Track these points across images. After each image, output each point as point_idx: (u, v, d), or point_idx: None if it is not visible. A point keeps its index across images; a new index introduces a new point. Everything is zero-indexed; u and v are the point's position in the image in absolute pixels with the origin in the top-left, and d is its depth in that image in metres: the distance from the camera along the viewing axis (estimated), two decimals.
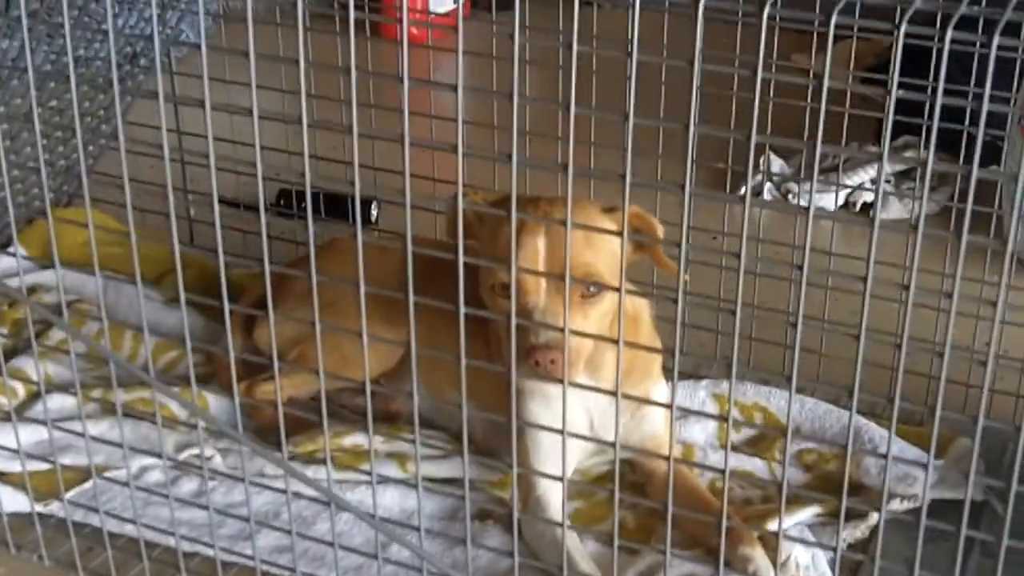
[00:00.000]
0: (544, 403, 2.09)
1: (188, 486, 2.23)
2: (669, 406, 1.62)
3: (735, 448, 2.33)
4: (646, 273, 2.32)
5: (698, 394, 2.43)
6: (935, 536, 2.06)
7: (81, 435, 1.98)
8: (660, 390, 2.18)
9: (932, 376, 2.30)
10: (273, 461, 1.82)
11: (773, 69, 1.45)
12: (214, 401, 2.40)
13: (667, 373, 2.23)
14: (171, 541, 2.01)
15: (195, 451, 2.23)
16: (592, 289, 1.91)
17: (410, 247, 1.54)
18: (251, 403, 2.39)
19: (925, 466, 1.54)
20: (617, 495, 1.67)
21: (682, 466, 2.19)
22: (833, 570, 2.01)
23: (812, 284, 2.30)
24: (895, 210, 3.13)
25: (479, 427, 2.28)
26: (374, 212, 3.20)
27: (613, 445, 1.62)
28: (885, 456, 1.51)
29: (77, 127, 1.70)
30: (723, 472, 1.58)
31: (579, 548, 2.01)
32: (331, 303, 2.20)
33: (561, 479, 1.76)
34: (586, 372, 2.04)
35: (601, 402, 2.10)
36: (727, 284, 1.58)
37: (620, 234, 1.51)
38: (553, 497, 2.09)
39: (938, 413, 1.45)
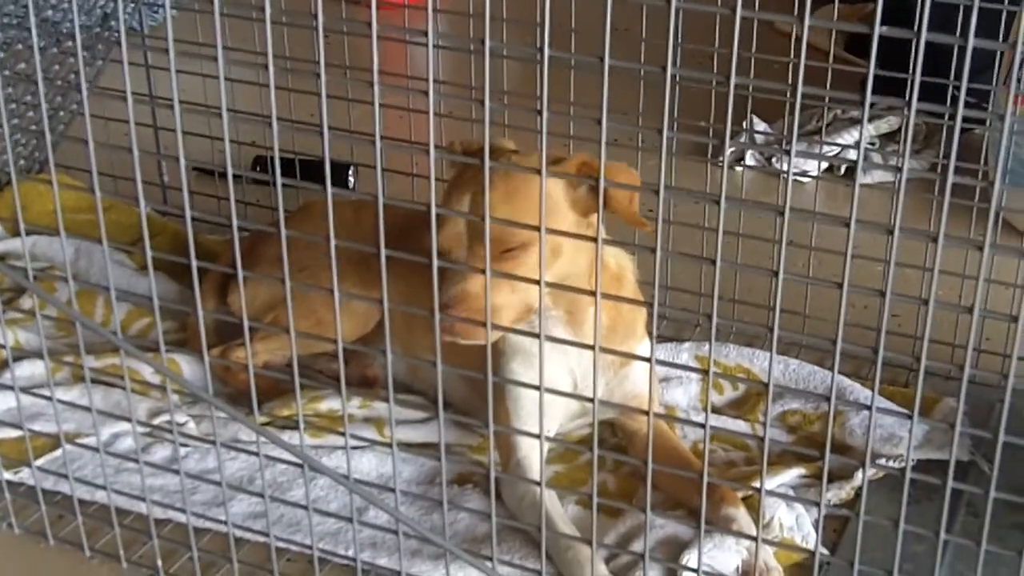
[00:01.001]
0: (526, 362, 2.06)
1: (161, 453, 2.18)
2: (649, 360, 1.58)
3: (717, 410, 2.29)
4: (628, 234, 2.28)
5: (680, 356, 2.39)
6: (920, 496, 2.05)
7: (50, 399, 1.94)
8: (643, 348, 2.14)
9: (917, 337, 2.27)
10: (247, 424, 1.77)
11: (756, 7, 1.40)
12: (187, 367, 2.36)
13: (650, 335, 2.20)
14: (143, 508, 1.97)
15: (168, 417, 2.19)
16: (512, 246, 1.85)
17: (382, 201, 1.50)
18: (224, 368, 2.34)
19: (910, 417, 1.50)
20: (596, 455, 1.62)
21: (664, 428, 2.16)
22: (817, 530, 1.97)
23: (795, 245, 2.30)
24: (879, 175, 3.09)
25: (458, 390, 2.25)
26: (351, 179, 3.15)
27: (592, 401, 1.58)
28: (869, 408, 1.47)
29: (40, 93, 1.65)
30: (703, 427, 1.54)
31: (559, 510, 1.97)
32: (305, 267, 2.17)
33: (540, 438, 1.73)
34: (568, 329, 2.00)
35: (584, 362, 2.06)
36: (708, 249, 1.54)
37: (539, 173, 1.44)
38: (534, 459, 2.05)
39: (923, 363, 1.41)
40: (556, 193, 1.87)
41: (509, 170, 1.85)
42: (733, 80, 1.30)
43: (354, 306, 2.21)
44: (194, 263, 1.67)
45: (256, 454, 1.79)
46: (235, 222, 1.60)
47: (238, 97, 1.82)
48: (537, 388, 1.61)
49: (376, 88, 1.40)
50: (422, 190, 2.49)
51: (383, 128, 1.45)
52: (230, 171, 1.56)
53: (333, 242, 1.54)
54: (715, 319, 1.45)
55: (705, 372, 2.33)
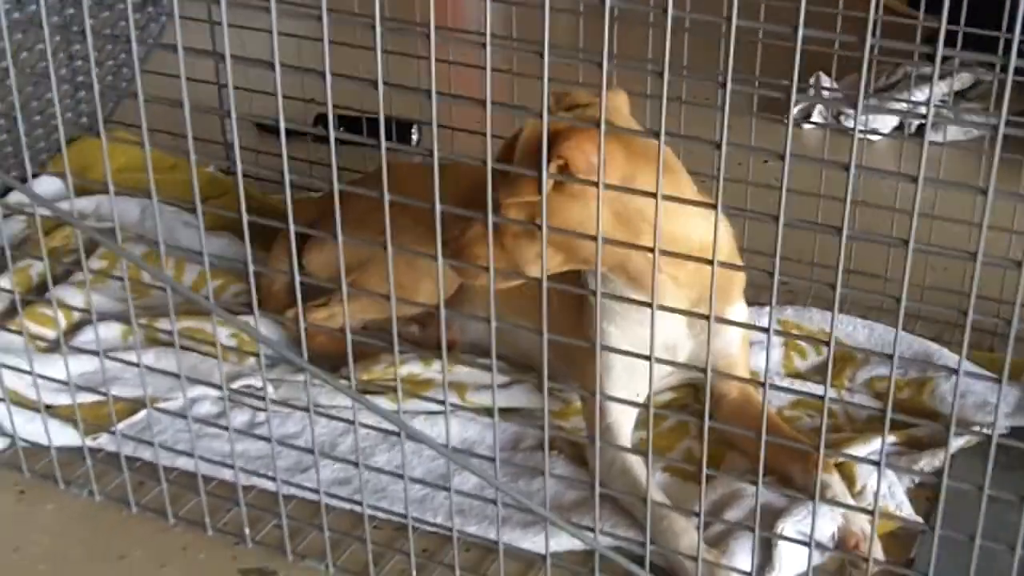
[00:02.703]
0: (622, 325, 2.02)
1: (240, 418, 2.17)
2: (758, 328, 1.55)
3: (802, 375, 2.26)
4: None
5: (762, 320, 2.35)
6: (1015, 464, 2.01)
7: (135, 365, 1.92)
8: (739, 310, 2.10)
9: (1003, 301, 2.24)
10: (342, 390, 1.75)
11: None
12: (264, 329, 2.33)
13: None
14: (227, 474, 1.96)
15: (247, 381, 2.17)
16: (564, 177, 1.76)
17: (437, 158, 1.46)
18: (304, 330, 2.32)
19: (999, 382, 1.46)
20: (705, 424, 1.60)
21: (751, 392, 2.13)
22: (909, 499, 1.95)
23: (865, 204, 2.24)
24: (952, 132, 3.04)
25: (541, 352, 2.21)
26: (414, 136, 3.12)
27: (704, 371, 1.55)
28: (956, 371, 1.43)
29: (89, 46, 1.62)
30: (815, 397, 1.51)
31: (649, 478, 1.94)
32: (384, 230, 2.13)
33: (638, 404, 1.71)
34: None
35: (677, 324, 2.02)
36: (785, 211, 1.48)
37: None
38: (625, 424, 2.02)
39: (1014, 327, 1.37)
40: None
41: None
42: (801, 32, 1.26)
43: (435, 269, 2.18)
44: (245, 219, 1.64)
45: (351, 422, 1.77)
46: (287, 176, 1.58)
47: (305, 54, 1.78)
48: (639, 356, 1.58)
49: (432, 39, 1.36)
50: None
51: (447, 84, 1.41)
52: (283, 126, 1.53)
53: (388, 199, 1.51)
54: (777, 277, 1.42)
55: (787, 335, 2.31)
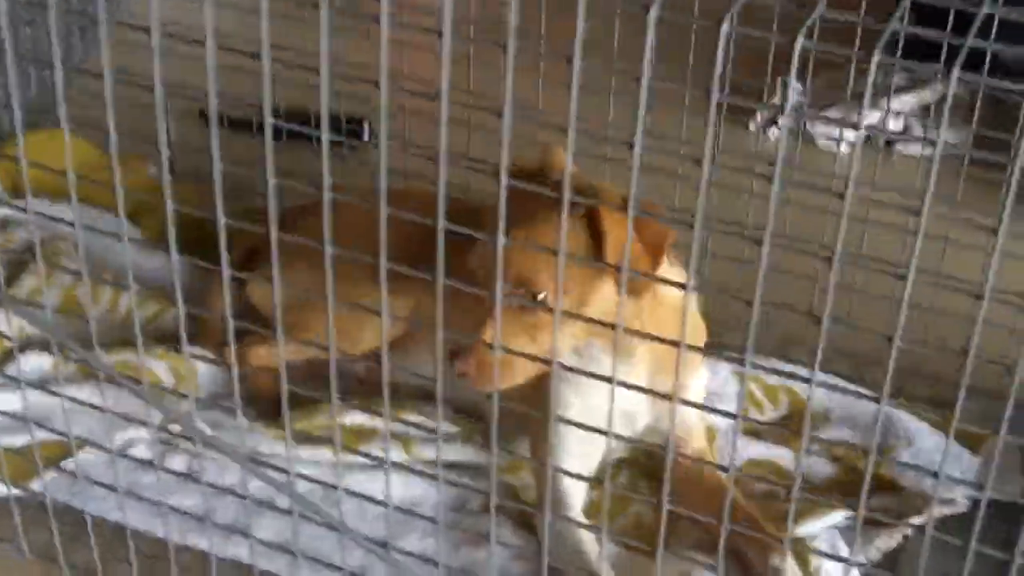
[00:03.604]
0: (578, 391, 1.95)
1: (177, 463, 2.08)
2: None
3: (759, 435, 2.20)
4: None
5: (719, 373, 2.28)
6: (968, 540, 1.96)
7: (68, 399, 1.81)
8: (698, 380, 2.04)
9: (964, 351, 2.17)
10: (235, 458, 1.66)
11: None
12: (202, 366, 2.24)
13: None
14: (161, 531, 1.88)
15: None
16: (527, 301, 1.77)
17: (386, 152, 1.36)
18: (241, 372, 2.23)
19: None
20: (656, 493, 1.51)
21: (707, 457, 2.07)
22: None
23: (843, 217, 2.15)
24: (917, 149, 2.97)
25: (489, 404, 2.14)
26: (365, 133, 3.01)
27: (662, 448, 1.48)
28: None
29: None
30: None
31: (600, 558, 1.88)
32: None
33: (588, 479, 1.67)
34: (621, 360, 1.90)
35: (635, 393, 1.95)
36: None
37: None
38: (576, 495, 1.96)
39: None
40: (582, 241, 1.77)
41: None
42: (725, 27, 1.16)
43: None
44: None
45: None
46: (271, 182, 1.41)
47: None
48: (590, 429, 1.52)
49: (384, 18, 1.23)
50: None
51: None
52: (272, 125, 1.32)
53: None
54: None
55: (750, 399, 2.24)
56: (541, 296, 1.76)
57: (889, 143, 3.02)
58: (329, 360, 2.20)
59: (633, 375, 1.86)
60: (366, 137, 3.01)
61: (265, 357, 2.23)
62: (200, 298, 2.24)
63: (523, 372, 1.79)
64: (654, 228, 1.76)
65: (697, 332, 2.03)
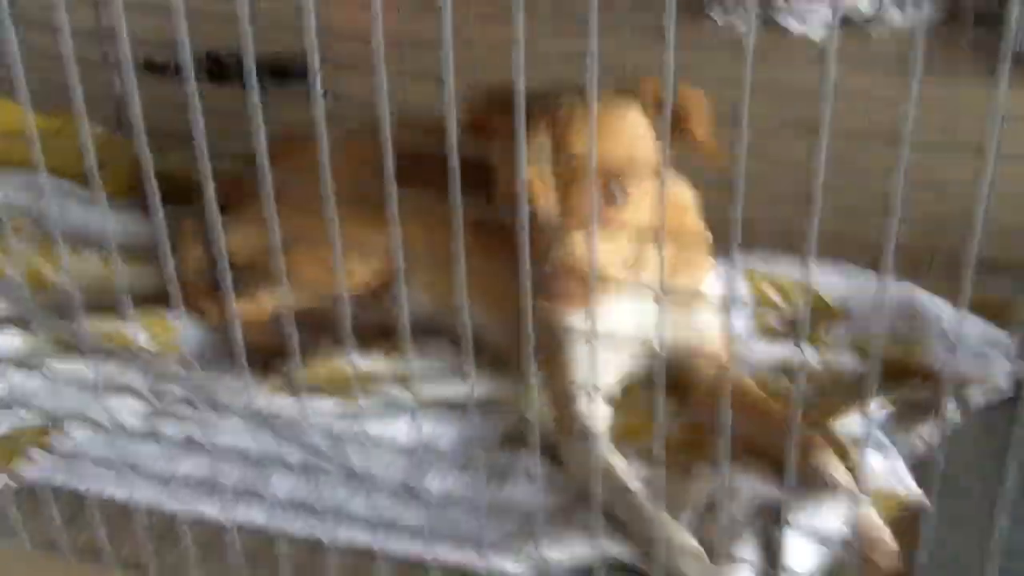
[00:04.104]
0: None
1: (170, 431, 1.95)
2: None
3: (777, 333, 2.10)
4: None
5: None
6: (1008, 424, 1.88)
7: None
8: (710, 282, 1.94)
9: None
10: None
11: None
12: (181, 324, 2.11)
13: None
14: (167, 503, 1.76)
15: (174, 391, 1.97)
16: (616, 191, 1.65)
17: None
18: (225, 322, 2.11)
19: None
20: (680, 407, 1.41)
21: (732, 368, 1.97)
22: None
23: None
24: (897, 21, 2.87)
25: (493, 332, 2.03)
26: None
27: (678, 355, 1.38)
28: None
29: None
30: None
31: (634, 480, 1.77)
32: (306, 204, 1.92)
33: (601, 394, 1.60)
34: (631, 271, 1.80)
35: (648, 304, 1.86)
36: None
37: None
38: (599, 416, 1.85)
39: None
40: (644, 126, 1.66)
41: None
42: None
43: (367, 248, 1.98)
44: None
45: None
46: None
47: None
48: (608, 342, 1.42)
49: None
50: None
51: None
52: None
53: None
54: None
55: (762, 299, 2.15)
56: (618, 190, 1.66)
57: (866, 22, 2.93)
58: (316, 307, 2.11)
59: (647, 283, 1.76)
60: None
61: (250, 312, 2.10)
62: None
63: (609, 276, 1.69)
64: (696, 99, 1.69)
65: (701, 236, 1.92)
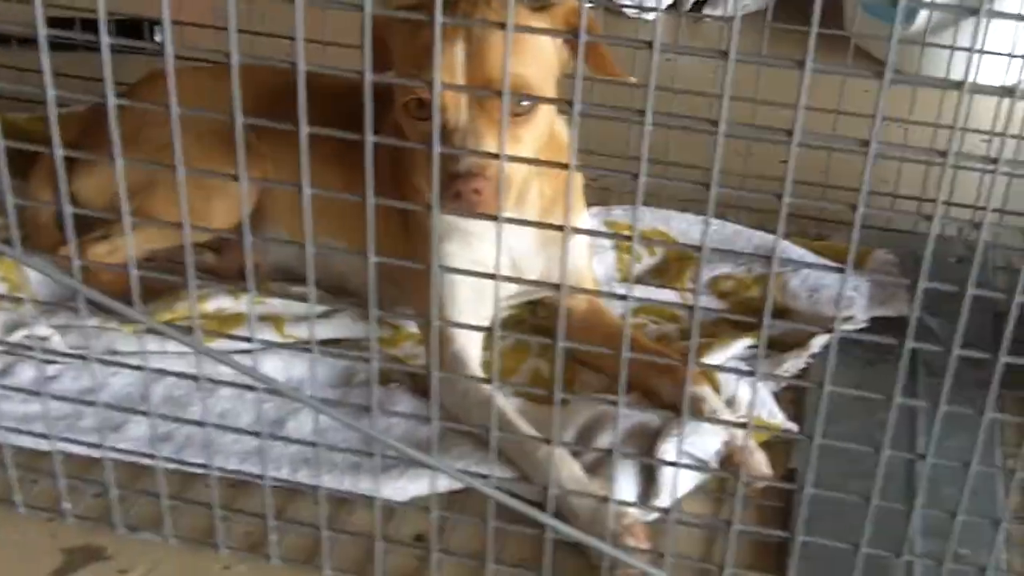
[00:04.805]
0: (463, 242, 1.84)
1: (27, 374, 1.88)
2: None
3: (640, 280, 2.13)
4: None
5: (596, 224, 2.21)
6: (874, 359, 1.94)
7: None
8: (583, 220, 1.96)
9: (828, 185, 2.17)
10: (139, 320, 1.50)
11: None
12: (34, 274, 2.04)
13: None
14: (27, 441, 1.70)
15: (30, 331, 1.89)
16: (524, 104, 1.66)
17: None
18: (83, 268, 2.04)
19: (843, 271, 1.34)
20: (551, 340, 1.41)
21: (601, 304, 1.99)
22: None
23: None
24: (731, 7, 2.95)
25: (359, 274, 2.01)
26: (157, 36, 2.84)
27: (555, 286, 1.40)
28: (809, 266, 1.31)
29: None
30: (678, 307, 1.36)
31: (511, 408, 1.77)
32: (166, 144, 1.88)
33: (482, 329, 1.61)
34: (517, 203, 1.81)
35: (524, 240, 1.86)
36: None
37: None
38: (473, 351, 1.85)
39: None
40: (550, 47, 1.68)
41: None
42: None
43: (230, 188, 1.95)
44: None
45: (139, 368, 1.54)
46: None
47: None
48: (484, 276, 1.39)
49: None
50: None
51: None
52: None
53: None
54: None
55: (624, 239, 2.17)
56: (525, 103, 1.66)
57: (697, 7, 2.99)
58: (177, 246, 2.06)
59: (525, 217, 1.77)
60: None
61: (106, 256, 2.05)
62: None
63: (515, 185, 1.71)
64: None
65: (577, 177, 1.94)
